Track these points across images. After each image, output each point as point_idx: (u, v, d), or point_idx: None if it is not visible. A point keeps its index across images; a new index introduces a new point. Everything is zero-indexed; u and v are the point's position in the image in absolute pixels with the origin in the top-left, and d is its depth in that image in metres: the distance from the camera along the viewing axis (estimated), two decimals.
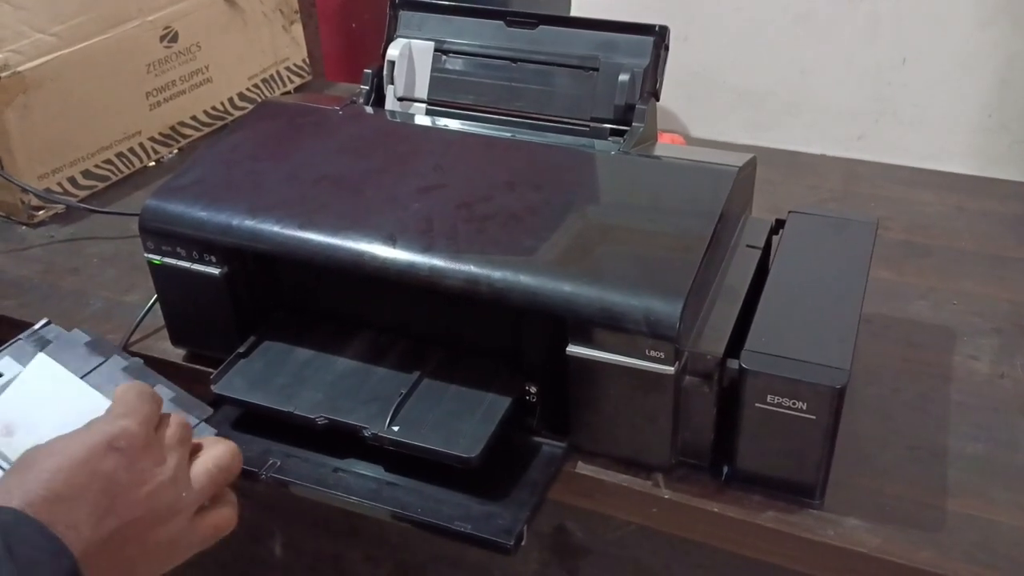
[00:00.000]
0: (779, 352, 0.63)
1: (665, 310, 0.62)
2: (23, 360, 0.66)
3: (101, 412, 0.57)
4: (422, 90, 0.88)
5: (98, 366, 0.68)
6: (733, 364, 0.63)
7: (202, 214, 0.74)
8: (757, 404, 0.63)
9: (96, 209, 1.04)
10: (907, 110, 2.17)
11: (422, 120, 0.86)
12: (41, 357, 0.66)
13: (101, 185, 1.10)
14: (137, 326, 0.84)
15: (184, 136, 1.18)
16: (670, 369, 0.62)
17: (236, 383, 0.72)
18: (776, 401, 0.62)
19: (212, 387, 0.71)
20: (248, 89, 1.25)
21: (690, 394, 0.65)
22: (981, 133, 2.15)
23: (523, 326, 0.68)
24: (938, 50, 2.08)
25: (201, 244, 0.74)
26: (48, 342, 0.69)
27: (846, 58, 2.15)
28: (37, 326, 0.71)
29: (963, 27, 2.04)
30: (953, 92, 2.11)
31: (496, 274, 0.66)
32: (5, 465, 0.59)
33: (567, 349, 0.65)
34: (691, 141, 1.11)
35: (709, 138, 1.26)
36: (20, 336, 0.70)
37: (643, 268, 0.65)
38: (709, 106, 2.29)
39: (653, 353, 0.62)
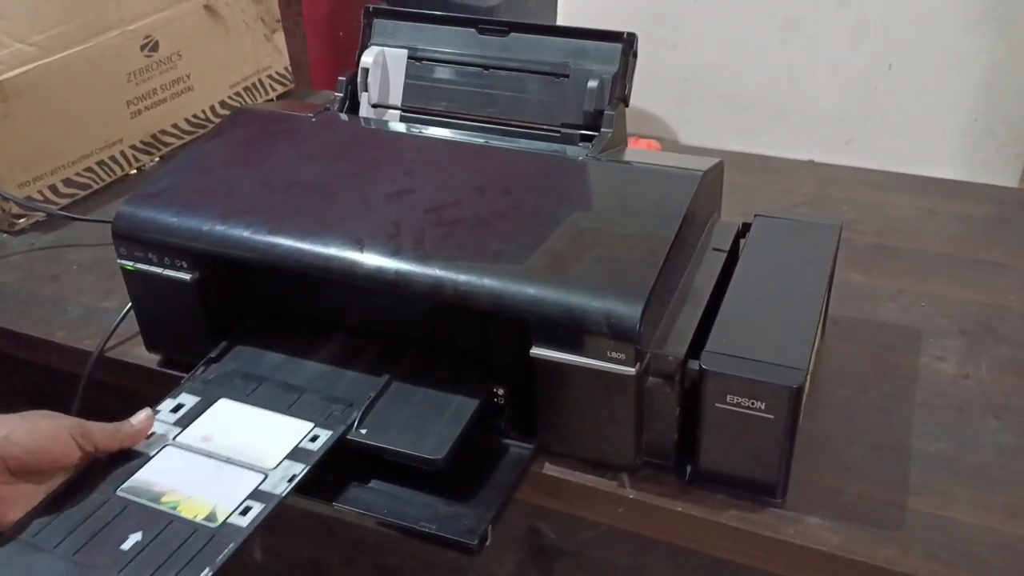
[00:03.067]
0: (738, 353, 0.64)
1: (626, 312, 0.62)
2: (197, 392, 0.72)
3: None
4: (396, 97, 0.89)
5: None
6: (694, 365, 0.64)
7: (173, 220, 0.75)
8: (717, 404, 0.64)
9: (76, 217, 1.05)
10: (894, 115, 2.18)
11: (395, 126, 0.87)
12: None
13: (82, 193, 1.11)
14: (113, 332, 0.85)
15: (165, 144, 1.19)
16: (631, 370, 0.63)
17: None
18: (735, 401, 0.63)
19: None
20: (230, 97, 1.26)
21: (653, 395, 0.65)
22: (968, 137, 2.16)
23: (490, 329, 0.69)
24: (924, 55, 2.09)
25: (172, 250, 0.75)
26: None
27: (833, 63, 2.16)
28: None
29: (948, 32, 2.05)
30: (939, 97, 2.13)
31: (461, 277, 0.66)
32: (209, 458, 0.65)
33: (531, 351, 0.65)
34: (679, 147, 1.13)
35: (698, 144, 1.27)
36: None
37: (605, 271, 0.66)
38: (698, 112, 2.30)
39: (615, 355, 0.63)
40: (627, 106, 0.83)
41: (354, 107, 0.90)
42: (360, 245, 0.70)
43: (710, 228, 0.79)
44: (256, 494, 0.61)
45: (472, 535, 0.63)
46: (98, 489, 0.62)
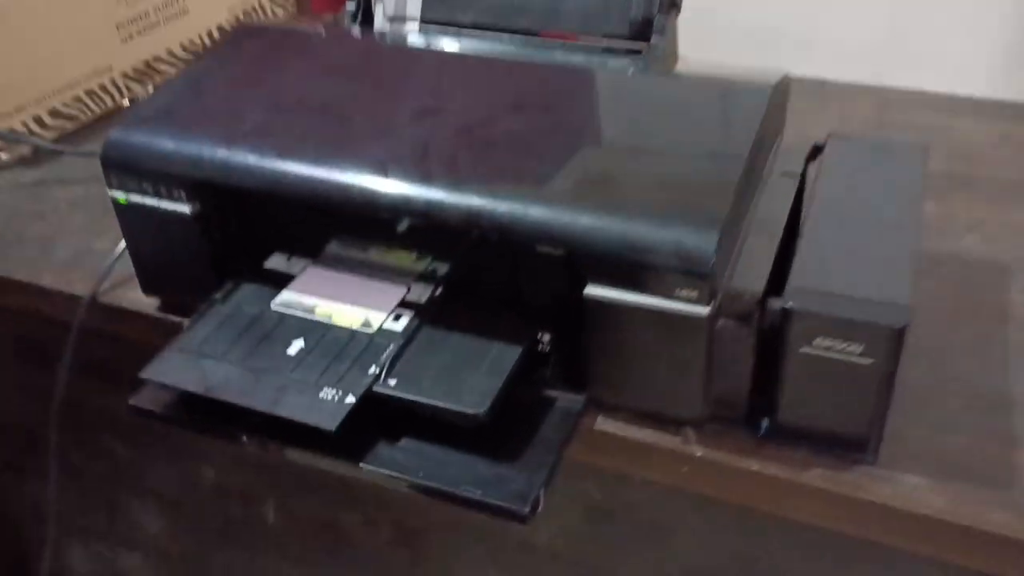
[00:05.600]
0: (829, 289, 0.55)
1: (699, 242, 0.54)
2: None
3: None
4: (415, 8, 0.79)
5: None
6: (776, 304, 0.55)
7: (169, 145, 0.66)
8: (803, 349, 0.55)
9: (64, 150, 0.96)
10: (925, 41, 2.06)
11: (415, 41, 0.77)
12: None
13: (71, 126, 1.01)
14: (106, 274, 0.76)
15: (159, 72, 1.09)
16: (703, 311, 0.54)
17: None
18: (825, 344, 0.54)
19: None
20: (228, 21, 1.16)
21: (725, 339, 0.57)
22: (1003, 61, 2.05)
23: (535, 266, 0.60)
24: None
25: (169, 179, 0.66)
26: None
27: None
28: None
29: None
30: (973, 21, 2.01)
31: (502, 207, 0.57)
32: None
33: (584, 291, 0.57)
34: None
35: None
36: None
37: (671, 195, 0.57)
38: (714, 46, 2.18)
39: (684, 293, 0.54)
40: (679, 12, 0.73)
41: (368, 20, 0.80)
42: (383, 170, 0.61)
43: (775, 151, 0.70)
44: (404, 303, 0.64)
45: (523, 501, 0.55)
46: (249, 305, 0.66)
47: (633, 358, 0.58)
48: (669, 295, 0.55)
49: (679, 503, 0.71)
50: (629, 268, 0.55)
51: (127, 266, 0.74)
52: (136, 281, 0.74)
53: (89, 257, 0.81)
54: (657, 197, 0.57)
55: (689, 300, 0.54)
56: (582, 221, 0.56)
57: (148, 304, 0.74)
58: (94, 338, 0.80)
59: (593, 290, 0.57)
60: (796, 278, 0.56)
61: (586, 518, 0.76)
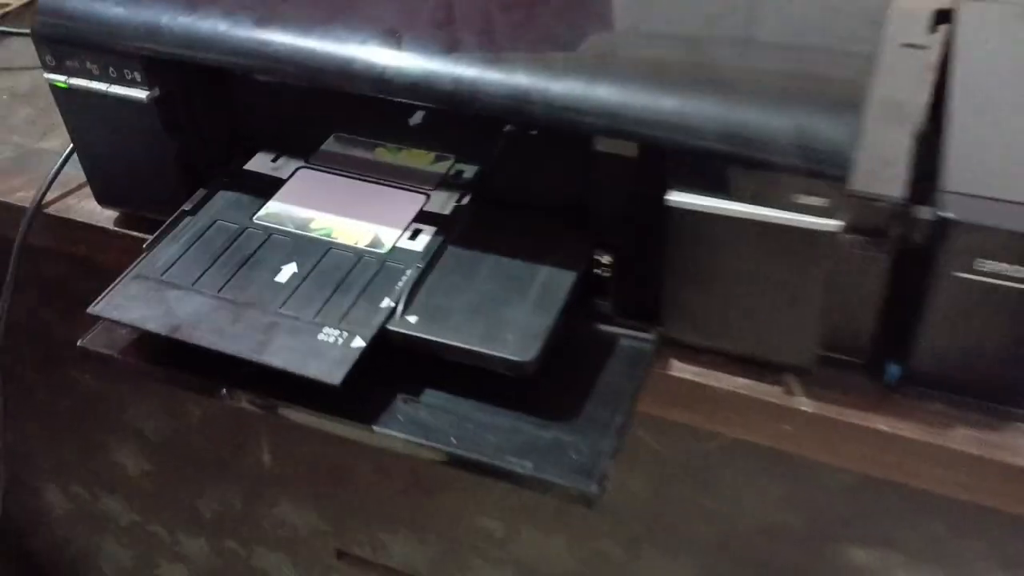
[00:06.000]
0: (995, 194, 0.41)
1: (830, 132, 0.39)
2: None
3: None
4: None
5: None
6: (925, 214, 0.41)
7: (119, 11, 0.51)
8: (958, 273, 0.41)
9: (6, 29, 0.81)
10: None
11: None
12: None
13: (15, 2, 0.85)
14: (52, 180, 0.62)
15: None
16: (832, 224, 0.41)
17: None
18: (988, 268, 0.41)
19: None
20: None
21: (853, 260, 0.43)
22: None
23: (596, 165, 0.46)
24: None
25: (119, 56, 0.51)
26: None
27: None
28: None
29: None
30: None
31: (556, 86, 0.43)
32: None
33: (668, 197, 0.43)
34: None
35: None
36: None
37: (786, 73, 0.43)
38: None
39: (807, 200, 0.40)
40: None
41: None
42: (395, 39, 0.46)
43: (888, 17, 0.55)
44: (423, 216, 0.51)
45: (587, 476, 0.42)
46: (227, 218, 0.52)
47: (725, 285, 0.45)
48: (786, 204, 0.41)
49: (750, 458, 0.58)
50: (730, 167, 0.41)
51: (80, 171, 0.60)
52: (89, 189, 0.60)
53: (33, 160, 0.67)
54: (768, 74, 0.42)
55: (813, 210, 0.41)
56: (665, 104, 0.41)
57: (105, 217, 0.61)
58: (50, 257, 0.67)
59: (678, 197, 0.43)
60: (951, 180, 0.42)
61: (639, 469, 0.63)
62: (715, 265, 0.44)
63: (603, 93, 0.42)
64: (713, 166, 0.41)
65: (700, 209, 0.42)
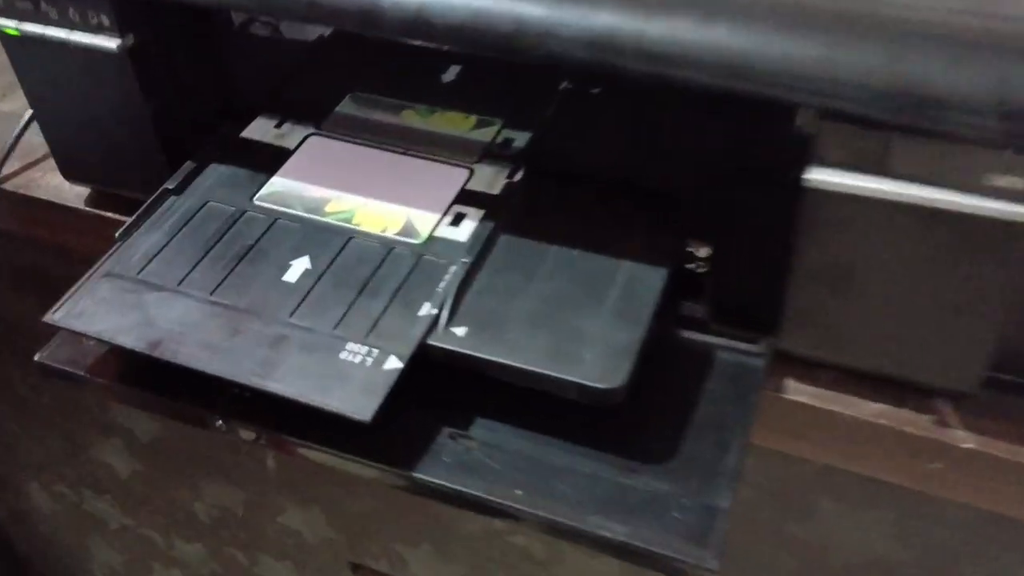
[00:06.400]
0: None
1: None
2: None
3: None
4: None
5: None
6: None
7: None
8: None
9: None
10: None
11: None
12: None
13: None
14: (11, 149, 0.52)
15: None
16: None
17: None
18: None
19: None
20: None
21: None
22: None
23: (700, 130, 0.36)
24: None
25: None
26: None
27: None
28: None
29: None
30: None
31: (654, 28, 0.32)
32: None
33: (806, 175, 0.32)
34: None
35: None
36: None
37: (976, 11, 0.32)
38: None
39: (1002, 182, 0.30)
40: None
41: None
42: None
43: None
44: (466, 195, 0.41)
45: (700, 545, 0.32)
46: (221, 198, 0.42)
47: (870, 287, 0.35)
48: (970, 185, 0.30)
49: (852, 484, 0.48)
50: (897, 138, 0.31)
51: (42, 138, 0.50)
52: (53, 161, 0.49)
53: None
54: (953, 10, 0.32)
55: (1008, 195, 0.30)
56: (810, 52, 0.31)
57: (75, 195, 0.50)
58: (14, 241, 0.57)
59: (822, 175, 0.32)
60: None
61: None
62: (859, 261, 0.34)
63: (721, 37, 0.31)
64: (871, 135, 0.31)
65: (850, 191, 0.32)
